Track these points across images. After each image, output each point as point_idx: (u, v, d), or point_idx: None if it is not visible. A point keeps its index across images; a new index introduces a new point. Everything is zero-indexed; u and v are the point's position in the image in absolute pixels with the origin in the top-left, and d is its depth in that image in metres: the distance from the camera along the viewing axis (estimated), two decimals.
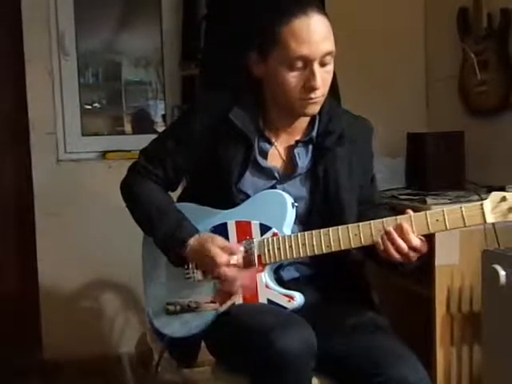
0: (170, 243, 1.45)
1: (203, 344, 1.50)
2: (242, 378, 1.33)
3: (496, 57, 2.43)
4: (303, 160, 1.49)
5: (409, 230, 1.33)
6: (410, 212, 1.36)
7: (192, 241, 1.43)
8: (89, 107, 3.08)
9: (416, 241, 1.33)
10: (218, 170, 1.45)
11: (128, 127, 3.17)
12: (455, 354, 2.17)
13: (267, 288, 1.42)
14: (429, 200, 2.19)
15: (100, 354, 2.88)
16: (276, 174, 1.48)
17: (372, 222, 1.35)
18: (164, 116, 3.10)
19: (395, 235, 1.33)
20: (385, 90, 2.84)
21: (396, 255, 1.33)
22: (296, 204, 1.44)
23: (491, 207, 1.31)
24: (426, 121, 2.94)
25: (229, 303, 1.43)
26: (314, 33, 1.36)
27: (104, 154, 2.93)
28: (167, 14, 3.02)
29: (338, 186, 1.47)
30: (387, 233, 1.34)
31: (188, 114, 1.57)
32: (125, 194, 1.56)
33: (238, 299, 1.43)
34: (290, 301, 1.41)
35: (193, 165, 1.51)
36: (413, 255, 1.35)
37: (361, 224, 1.36)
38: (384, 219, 1.35)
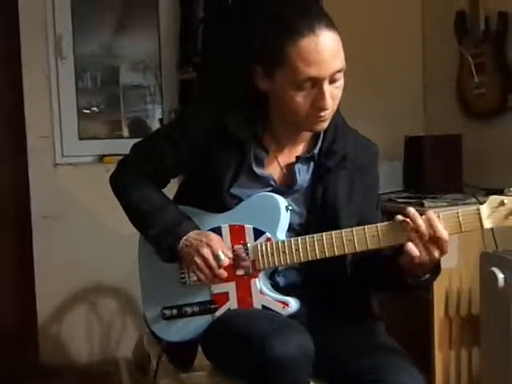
0: (165, 238, 1.43)
1: (200, 349, 1.50)
2: (239, 383, 1.32)
3: (493, 60, 2.44)
4: (303, 176, 1.46)
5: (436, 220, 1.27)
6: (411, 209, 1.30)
7: (190, 234, 1.42)
8: (87, 111, 3.08)
9: (442, 229, 1.26)
10: (211, 174, 1.44)
11: (126, 131, 3.17)
12: (454, 357, 2.17)
13: (261, 294, 1.41)
14: (426, 203, 2.19)
15: (97, 359, 2.87)
16: (272, 182, 1.46)
17: (366, 227, 1.33)
18: (161, 120, 3.10)
19: (420, 221, 1.27)
20: (382, 93, 2.85)
21: (420, 245, 1.26)
22: (290, 207, 1.43)
23: (489, 212, 1.27)
24: (424, 124, 2.94)
25: (224, 308, 1.43)
26: (323, 52, 1.30)
27: (101, 158, 2.93)
28: (164, 17, 3.02)
29: (336, 210, 1.44)
30: (412, 219, 1.27)
31: (185, 116, 1.56)
32: (115, 187, 1.56)
33: (233, 305, 1.43)
34: (284, 307, 1.40)
35: (184, 166, 1.51)
36: (437, 252, 1.28)
37: (355, 229, 1.34)
38: (379, 224, 1.33)
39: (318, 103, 1.33)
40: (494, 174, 2.47)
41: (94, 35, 3.04)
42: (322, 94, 1.32)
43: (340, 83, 1.36)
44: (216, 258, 1.40)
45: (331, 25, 1.33)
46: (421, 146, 2.51)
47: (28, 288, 2.85)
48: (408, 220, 1.29)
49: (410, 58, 2.93)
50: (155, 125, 3.13)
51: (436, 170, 2.45)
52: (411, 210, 1.30)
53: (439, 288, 2.12)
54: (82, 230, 2.86)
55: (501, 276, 1.86)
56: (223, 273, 1.41)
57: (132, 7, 3.11)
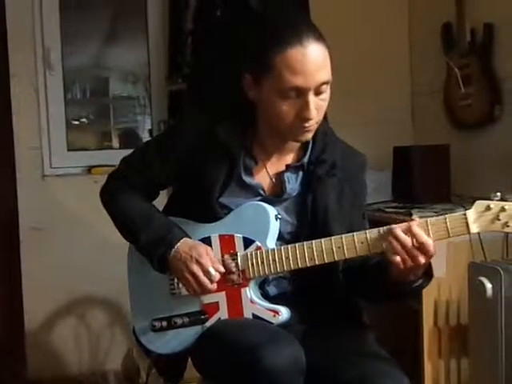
0: (156, 247, 1.43)
1: (190, 360, 1.49)
2: None
3: (480, 71, 2.46)
4: (292, 185, 1.47)
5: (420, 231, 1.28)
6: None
7: (181, 243, 1.42)
8: (76, 122, 3.07)
9: (424, 237, 1.27)
10: (201, 184, 1.44)
11: (116, 142, 3.16)
12: (443, 367, 2.17)
13: (252, 303, 1.41)
14: (415, 213, 2.20)
15: (86, 371, 2.84)
16: (261, 191, 1.47)
17: (355, 233, 1.34)
18: (151, 131, 3.10)
19: (401, 233, 1.28)
20: (371, 104, 2.87)
21: (404, 255, 1.27)
22: (279, 216, 1.43)
23: (475, 217, 1.28)
24: (412, 134, 2.96)
25: (214, 318, 1.42)
26: (309, 63, 1.31)
27: (89, 170, 2.92)
28: (154, 28, 3.03)
29: (326, 217, 1.44)
30: (392, 232, 1.28)
31: (175, 128, 1.57)
32: (105, 200, 1.56)
33: (223, 314, 1.42)
34: (275, 315, 1.39)
35: (173, 178, 1.51)
36: (422, 258, 1.28)
37: (344, 236, 1.35)
38: (367, 231, 1.34)
39: (302, 113, 1.35)
40: (482, 184, 2.49)
41: (83, 47, 3.04)
42: (306, 104, 1.34)
43: (325, 96, 1.37)
44: (207, 273, 1.40)
45: (319, 37, 1.35)
46: (409, 156, 2.52)
47: (16, 300, 2.82)
48: (390, 239, 1.29)
49: (397, 69, 2.96)
50: (145, 136, 3.13)
51: (424, 180, 2.47)
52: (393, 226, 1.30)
53: (428, 298, 2.13)
54: (71, 241, 2.85)
55: (489, 286, 1.86)
56: (214, 288, 1.40)
57: (121, 19, 3.11)
